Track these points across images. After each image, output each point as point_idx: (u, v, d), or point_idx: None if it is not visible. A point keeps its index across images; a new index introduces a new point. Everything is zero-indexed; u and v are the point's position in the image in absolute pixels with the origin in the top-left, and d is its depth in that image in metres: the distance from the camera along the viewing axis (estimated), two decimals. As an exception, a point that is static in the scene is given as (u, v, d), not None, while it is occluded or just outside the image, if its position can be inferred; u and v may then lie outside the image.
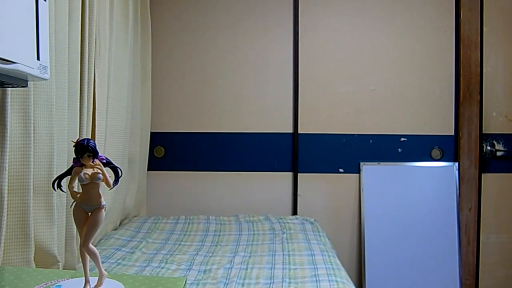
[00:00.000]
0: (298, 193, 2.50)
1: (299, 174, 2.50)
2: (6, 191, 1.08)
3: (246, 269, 1.55)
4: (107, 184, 0.79)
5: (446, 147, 2.51)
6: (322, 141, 2.51)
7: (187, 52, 2.52)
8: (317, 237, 1.97)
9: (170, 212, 2.42)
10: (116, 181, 0.82)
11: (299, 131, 2.50)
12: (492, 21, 2.47)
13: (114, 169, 0.82)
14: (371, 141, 2.51)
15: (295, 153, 2.50)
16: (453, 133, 2.51)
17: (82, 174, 0.78)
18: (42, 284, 0.84)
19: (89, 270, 0.81)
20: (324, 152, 2.51)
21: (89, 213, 0.80)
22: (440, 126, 2.51)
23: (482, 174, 2.48)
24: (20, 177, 1.15)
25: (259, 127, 2.51)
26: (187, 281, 1.37)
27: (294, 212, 2.50)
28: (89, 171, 0.78)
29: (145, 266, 1.55)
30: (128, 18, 2.01)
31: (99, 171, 0.78)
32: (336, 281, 1.39)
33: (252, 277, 1.46)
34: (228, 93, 2.52)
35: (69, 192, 0.82)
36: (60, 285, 0.83)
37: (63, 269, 1.36)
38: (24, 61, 0.91)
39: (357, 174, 2.50)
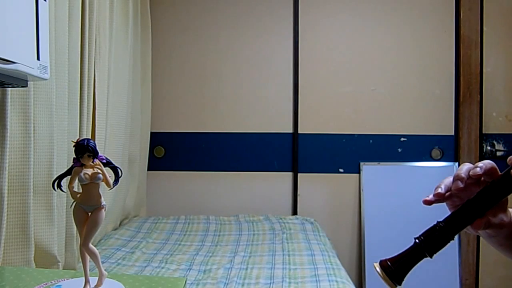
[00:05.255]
0: (298, 193, 2.50)
1: (299, 174, 2.50)
2: (6, 191, 1.08)
3: (246, 269, 1.55)
4: (107, 184, 0.79)
5: (446, 147, 2.51)
6: (322, 141, 2.51)
7: (187, 52, 2.51)
8: (317, 237, 1.97)
9: (170, 212, 2.41)
10: (116, 181, 0.81)
11: (299, 131, 2.50)
12: (492, 21, 2.47)
13: (114, 169, 0.82)
14: (371, 141, 2.51)
15: (295, 153, 2.50)
16: (453, 133, 2.51)
17: (82, 174, 0.78)
18: (42, 284, 0.84)
19: (89, 270, 0.81)
20: (324, 152, 2.51)
21: (89, 213, 0.80)
22: (440, 126, 2.51)
23: (482, 174, 2.48)
24: (20, 177, 1.15)
25: (259, 127, 2.51)
26: (187, 281, 1.37)
27: (294, 212, 2.50)
28: (89, 171, 0.78)
29: (145, 266, 1.55)
30: (128, 18, 2.01)
31: (99, 171, 0.78)
32: (336, 281, 1.39)
33: (252, 277, 1.46)
34: (228, 93, 2.52)
35: (69, 192, 0.82)
36: (60, 285, 0.83)
37: (63, 269, 1.36)
38: (24, 61, 0.91)
39: (357, 174, 2.50)
